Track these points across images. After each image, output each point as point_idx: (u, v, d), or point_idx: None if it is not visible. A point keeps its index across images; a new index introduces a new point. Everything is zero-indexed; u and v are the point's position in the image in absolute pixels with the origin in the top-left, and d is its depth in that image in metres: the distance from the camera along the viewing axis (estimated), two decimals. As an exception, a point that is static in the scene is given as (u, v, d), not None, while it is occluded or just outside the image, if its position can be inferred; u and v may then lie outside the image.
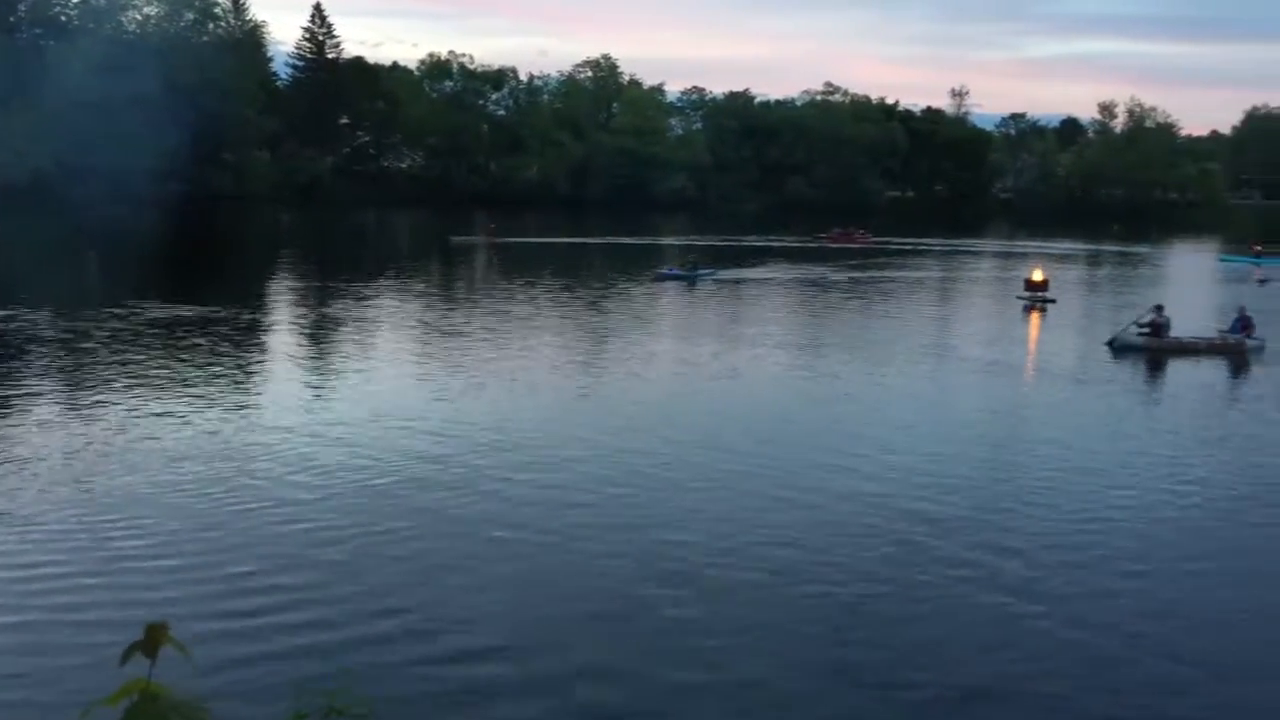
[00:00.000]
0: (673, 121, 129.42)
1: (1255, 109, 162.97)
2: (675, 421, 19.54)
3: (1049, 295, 40.45)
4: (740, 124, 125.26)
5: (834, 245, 67.77)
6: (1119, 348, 29.18)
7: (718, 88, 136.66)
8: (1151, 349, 28.90)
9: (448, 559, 12.61)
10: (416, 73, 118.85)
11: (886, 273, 52.71)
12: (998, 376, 26.11)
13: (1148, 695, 10.09)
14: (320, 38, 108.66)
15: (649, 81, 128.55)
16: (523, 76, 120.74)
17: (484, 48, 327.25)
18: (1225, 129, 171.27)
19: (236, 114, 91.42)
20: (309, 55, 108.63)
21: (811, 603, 11.90)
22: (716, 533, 13.79)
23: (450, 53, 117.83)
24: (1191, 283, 54.82)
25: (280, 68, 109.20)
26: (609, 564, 12.72)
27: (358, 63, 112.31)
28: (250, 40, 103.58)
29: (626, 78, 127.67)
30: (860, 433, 19.36)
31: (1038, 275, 41.64)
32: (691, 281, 44.31)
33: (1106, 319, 39.38)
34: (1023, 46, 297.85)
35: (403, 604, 11.27)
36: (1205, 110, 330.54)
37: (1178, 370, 27.41)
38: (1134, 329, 29.90)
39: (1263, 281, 53.90)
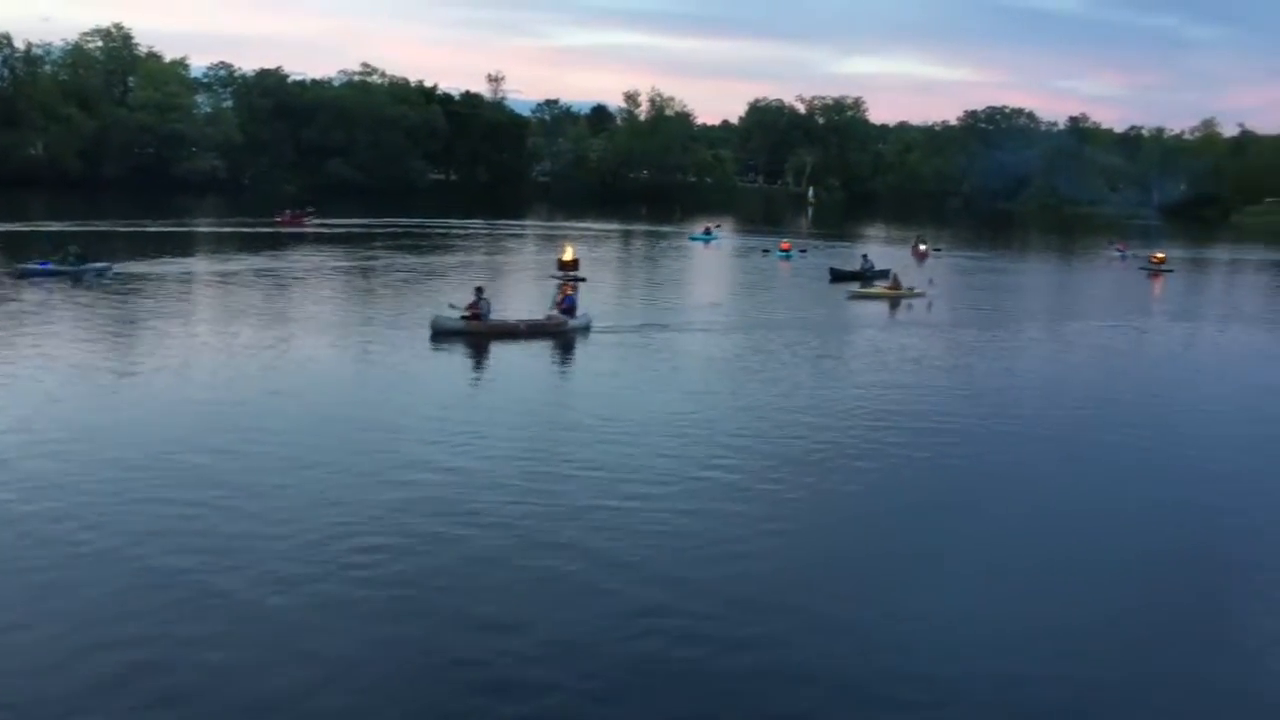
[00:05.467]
0: (199, 98, 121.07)
1: (757, 100, 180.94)
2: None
3: (579, 274, 42.71)
4: (274, 103, 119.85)
5: (289, 229, 63.35)
6: (437, 332, 28.53)
7: (247, 64, 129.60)
8: (471, 332, 28.57)
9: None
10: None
11: (417, 257, 52.82)
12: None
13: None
14: None
15: (170, 54, 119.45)
16: (19, 44, 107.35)
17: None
18: (734, 119, 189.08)
19: None
20: None
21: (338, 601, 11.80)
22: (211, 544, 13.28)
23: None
24: (674, 258, 60.13)
25: None
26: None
27: None
28: None
29: (144, 49, 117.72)
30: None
31: (568, 255, 43.87)
32: (75, 277, 36.79)
33: (639, 295, 42.49)
34: (554, 35, 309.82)
35: None
36: (717, 100, 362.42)
37: (499, 352, 27.38)
38: (454, 312, 29.17)
39: (766, 252, 61.32)
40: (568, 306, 30.77)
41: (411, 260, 50.22)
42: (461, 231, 70.49)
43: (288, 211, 67.98)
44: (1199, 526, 15.85)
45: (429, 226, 72.05)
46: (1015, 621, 12.14)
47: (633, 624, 11.37)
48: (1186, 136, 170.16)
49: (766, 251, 61.96)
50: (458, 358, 26.74)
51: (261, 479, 15.54)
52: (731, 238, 76.37)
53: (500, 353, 27.35)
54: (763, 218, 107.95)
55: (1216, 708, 10.63)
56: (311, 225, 66.23)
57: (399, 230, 67.26)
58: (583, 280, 42.06)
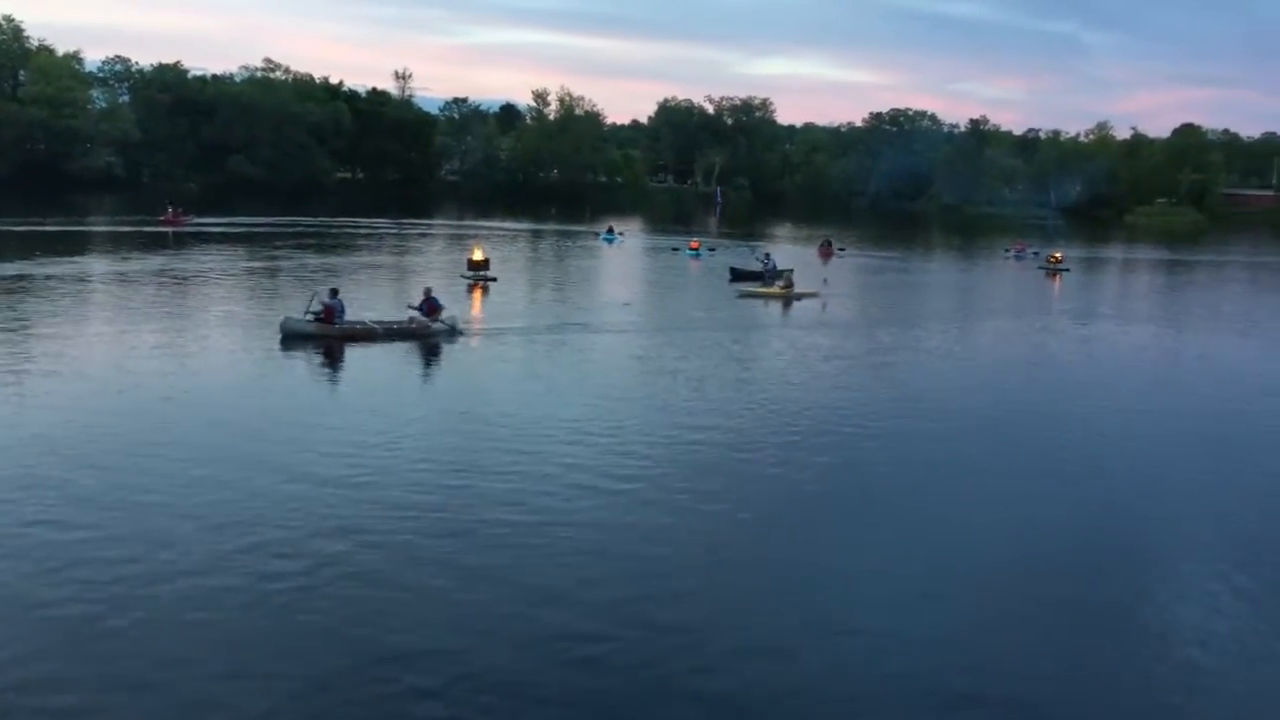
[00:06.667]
0: (94, 93, 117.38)
1: (667, 100, 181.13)
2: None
3: (490, 274, 42.45)
4: (173, 98, 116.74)
5: (168, 229, 61.54)
6: (288, 335, 27.23)
7: (145, 59, 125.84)
8: (323, 335, 27.39)
9: None
10: None
11: (317, 257, 51.84)
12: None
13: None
14: None
15: (63, 48, 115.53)
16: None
17: None
18: (643, 118, 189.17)
19: None
20: None
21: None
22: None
23: None
24: (583, 258, 60.18)
25: None
26: None
27: None
28: None
29: (35, 42, 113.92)
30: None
31: (478, 255, 43.53)
32: None
33: (548, 294, 42.33)
34: (461, 33, 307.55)
35: None
36: (626, 100, 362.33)
37: (353, 356, 26.32)
38: (308, 315, 28.09)
39: (675, 250, 61.63)
40: (431, 307, 29.43)
41: (310, 260, 49.17)
42: (367, 231, 69.43)
43: (170, 210, 65.98)
44: (1104, 520, 16.23)
45: (334, 225, 70.83)
46: (935, 622, 12.29)
47: (544, 648, 11.15)
48: (1082, 139, 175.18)
49: (676, 250, 62.88)
50: (310, 363, 25.52)
51: (114, 501, 14.77)
52: (642, 237, 76.72)
53: (357, 357, 26.23)
54: (673, 217, 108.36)
55: (1136, 700, 10.90)
56: (191, 224, 64.40)
57: (302, 229, 65.95)
58: (493, 280, 41.83)
